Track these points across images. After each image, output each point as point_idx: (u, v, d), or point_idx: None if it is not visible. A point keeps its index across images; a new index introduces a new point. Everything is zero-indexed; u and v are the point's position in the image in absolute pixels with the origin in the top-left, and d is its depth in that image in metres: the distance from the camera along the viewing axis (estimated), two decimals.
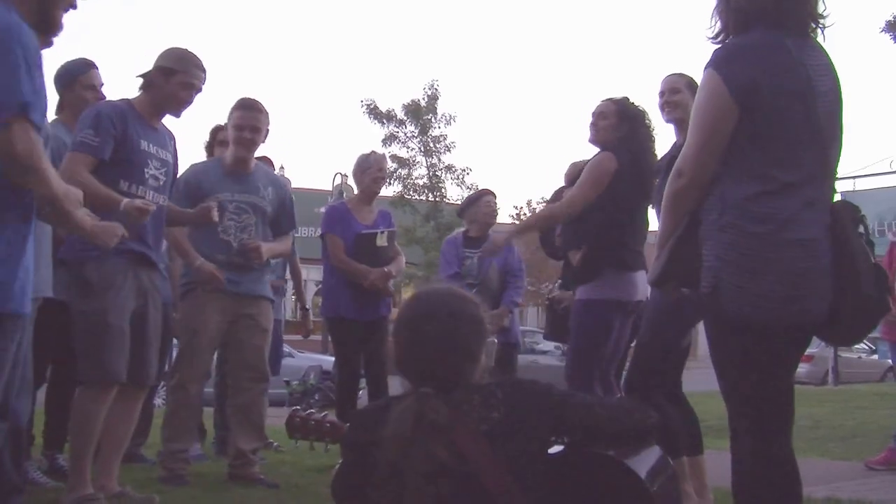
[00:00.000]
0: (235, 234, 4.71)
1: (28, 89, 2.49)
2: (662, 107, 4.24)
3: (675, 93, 4.18)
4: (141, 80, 4.12)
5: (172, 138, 4.26)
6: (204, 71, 4.15)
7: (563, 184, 5.76)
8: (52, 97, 4.53)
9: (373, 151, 5.78)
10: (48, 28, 2.73)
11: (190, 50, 4.17)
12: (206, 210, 4.30)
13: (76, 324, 3.89)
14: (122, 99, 4.14)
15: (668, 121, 4.26)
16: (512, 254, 6.10)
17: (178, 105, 4.12)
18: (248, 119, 4.73)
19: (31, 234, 2.65)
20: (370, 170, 5.63)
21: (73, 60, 4.50)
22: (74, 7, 2.80)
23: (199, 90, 4.16)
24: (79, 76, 4.44)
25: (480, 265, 5.95)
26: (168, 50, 4.15)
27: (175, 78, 4.05)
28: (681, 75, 4.24)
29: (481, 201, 6.31)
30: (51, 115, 4.04)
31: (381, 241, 5.50)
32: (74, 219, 2.88)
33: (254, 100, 4.83)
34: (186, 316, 4.71)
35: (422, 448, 2.06)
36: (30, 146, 2.52)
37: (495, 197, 6.44)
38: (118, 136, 3.90)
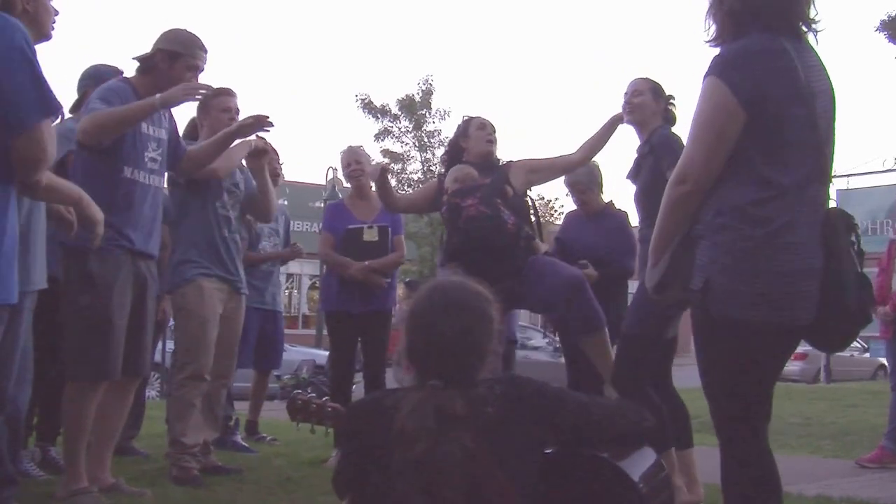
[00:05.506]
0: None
1: (49, 88, 2.50)
2: (624, 107, 4.36)
3: (638, 94, 4.29)
4: (137, 63, 4.09)
5: (167, 111, 4.23)
6: (206, 51, 4.19)
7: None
8: (72, 95, 4.60)
9: (348, 147, 5.79)
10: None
11: (190, 30, 4.19)
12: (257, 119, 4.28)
13: (75, 319, 3.80)
14: (123, 78, 4.14)
15: (628, 122, 4.39)
16: None
17: None
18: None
19: (8, 224, 2.59)
20: (345, 168, 5.76)
21: (104, 65, 4.58)
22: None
23: (202, 70, 4.18)
24: (107, 80, 4.43)
25: None
26: (169, 32, 4.15)
27: (180, 61, 4.07)
28: (646, 80, 4.34)
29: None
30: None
31: (370, 235, 5.49)
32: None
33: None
34: (193, 304, 4.51)
35: (448, 439, 2.05)
36: (54, 147, 2.56)
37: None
38: None
